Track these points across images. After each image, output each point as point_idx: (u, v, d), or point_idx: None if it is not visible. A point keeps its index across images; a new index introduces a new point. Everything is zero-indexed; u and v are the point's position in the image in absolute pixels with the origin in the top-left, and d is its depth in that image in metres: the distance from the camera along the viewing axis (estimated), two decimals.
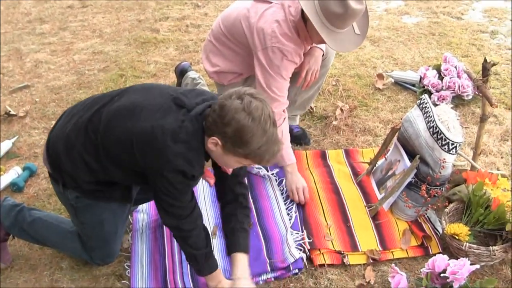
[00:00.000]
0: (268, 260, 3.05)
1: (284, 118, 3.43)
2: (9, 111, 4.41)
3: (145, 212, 3.39)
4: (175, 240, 2.82)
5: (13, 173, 3.69)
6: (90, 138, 2.59)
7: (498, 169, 3.60)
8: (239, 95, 2.34)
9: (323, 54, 3.59)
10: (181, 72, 4.40)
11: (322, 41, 3.18)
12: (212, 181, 3.03)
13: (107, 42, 5.66)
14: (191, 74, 4.32)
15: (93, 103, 2.70)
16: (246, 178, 3.01)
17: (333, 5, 3.02)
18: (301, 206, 3.41)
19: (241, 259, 2.84)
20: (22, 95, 4.74)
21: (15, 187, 3.60)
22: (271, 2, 3.29)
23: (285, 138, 3.45)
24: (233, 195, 2.90)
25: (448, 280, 2.62)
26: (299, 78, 3.56)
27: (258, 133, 2.33)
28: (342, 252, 3.08)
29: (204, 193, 3.55)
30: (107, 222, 2.86)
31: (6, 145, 4.00)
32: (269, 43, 3.23)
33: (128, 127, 2.50)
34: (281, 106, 3.39)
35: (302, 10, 3.13)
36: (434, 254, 2.93)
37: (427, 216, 3.30)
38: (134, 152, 2.48)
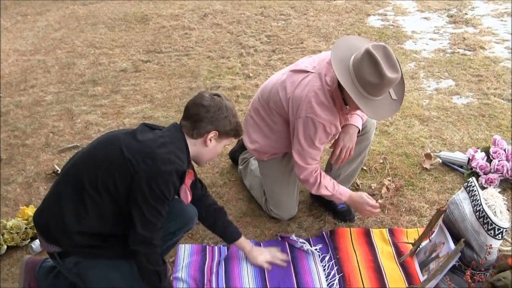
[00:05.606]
0: None
1: (317, 176, 3.48)
2: (57, 170, 4.49)
3: (184, 281, 3.39)
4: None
5: None
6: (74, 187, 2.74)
7: None
8: (212, 94, 2.92)
9: (359, 131, 3.59)
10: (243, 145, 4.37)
11: (359, 109, 3.17)
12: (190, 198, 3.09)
13: (157, 108, 5.75)
14: None
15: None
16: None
17: (369, 75, 3.01)
18: (343, 284, 3.37)
19: (243, 241, 3.45)
20: (70, 155, 4.78)
21: None
22: (307, 72, 3.32)
23: (334, 184, 3.55)
24: (206, 209, 3.32)
25: None
26: (333, 156, 3.57)
27: (234, 110, 3.00)
28: None
29: (247, 269, 3.53)
30: (116, 282, 2.81)
31: None
32: (304, 113, 3.25)
33: (108, 151, 2.77)
34: (309, 174, 3.45)
35: (338, 80, 3.14)
36: None
37: None
38: (124, 161, 2.67)
